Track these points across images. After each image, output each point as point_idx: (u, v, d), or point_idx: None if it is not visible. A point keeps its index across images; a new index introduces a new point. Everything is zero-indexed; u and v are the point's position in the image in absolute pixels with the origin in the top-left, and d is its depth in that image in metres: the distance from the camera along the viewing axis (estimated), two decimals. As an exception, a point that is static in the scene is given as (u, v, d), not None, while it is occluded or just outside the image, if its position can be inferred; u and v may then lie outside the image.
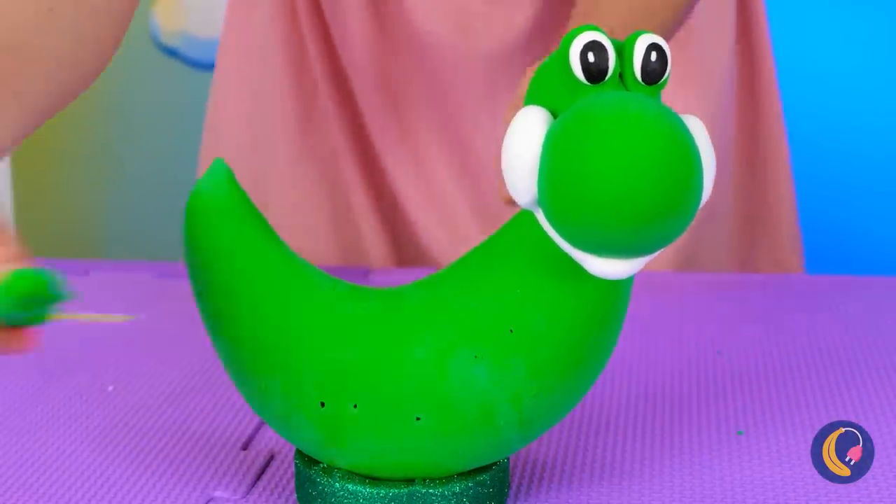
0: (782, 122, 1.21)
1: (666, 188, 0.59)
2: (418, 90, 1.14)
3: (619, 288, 0.67)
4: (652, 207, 0.59)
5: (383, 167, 1.17)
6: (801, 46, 2.20)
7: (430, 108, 1.15)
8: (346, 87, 1.16)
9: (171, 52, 2.41)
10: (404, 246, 1.19)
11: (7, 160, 2.37)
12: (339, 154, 1.17)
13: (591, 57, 0.62)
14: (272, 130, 1.17)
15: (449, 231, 1.17)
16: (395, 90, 1.14)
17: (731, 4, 1.18)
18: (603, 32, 0.62)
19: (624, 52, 0.63)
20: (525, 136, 0.62)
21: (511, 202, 0.73)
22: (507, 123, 0.78)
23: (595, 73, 0.62)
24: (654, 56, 0.63)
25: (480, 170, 1.16)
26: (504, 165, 0.63)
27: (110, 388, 0.87)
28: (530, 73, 0.76)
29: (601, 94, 0.62)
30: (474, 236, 1.15)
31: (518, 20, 1.10)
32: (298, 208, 1.16)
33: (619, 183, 0.59)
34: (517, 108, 0.77)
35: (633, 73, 0.63)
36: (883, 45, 2.20)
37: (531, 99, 0.65)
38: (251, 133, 1.18)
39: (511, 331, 0.66)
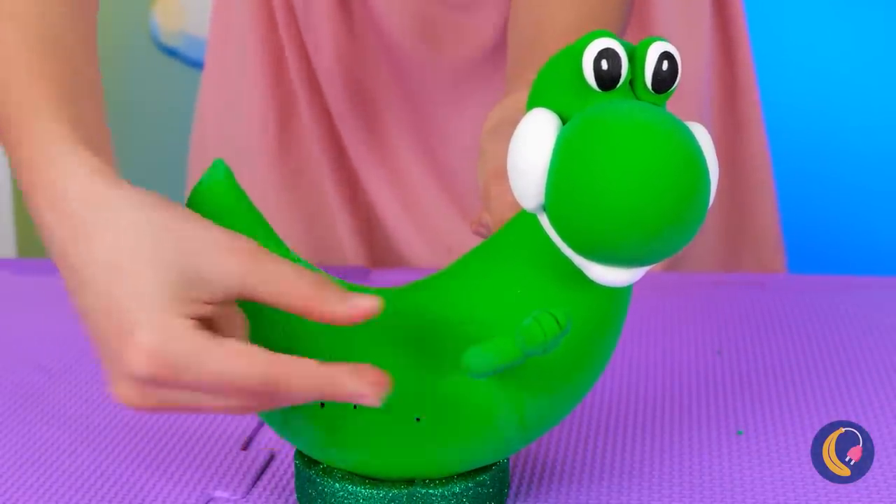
0: (762, 124, 1.22)
1: (675, 202, 0.59)
2: (389, 95, 1.15)
3: (620, 292, 0.67)
4: (661, 220, 0.59)
5: (356, 170, 1.18)
6: (781, 46, 2.20)
7: (401, 113, 1.16)
8: (320, 92, 1.17)
9: (171, 52, 2.41)
10: (378, 248, 1.19)
11: (7, 161, 2.37)
12: (314, 157, 1.18)
13: (604, 65, 0.62)
14: (250, 133, 1.18)
15: (421, 233, 1.17)
16: (366, 95, 1.15)
17: (706, 5, 1.17)
18: (616, 38, 0.62)
19: (636, 59, 0.63)
20: (535, 141, 0.62)
21: (481, 233, 0.74)
22: (488, 130, 0.79)
23: (607, 80, 0.62)
24: (665, 65, 0.63)
25: (451, 172, 1.16)
26: (511, 169, 0.63)
27: (110, 388, 0.87)
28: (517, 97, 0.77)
29: (614, 103, 0.62)
30: (446, 237, 1.16)
31: (485, 26, 1.10)
32: (274, 210, 1.17)
33: (631, 195, 0.59)
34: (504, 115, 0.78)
35: (643, 81, 0.63)
36: (865, 44, 2.20)
37: (537, 100, 0.65)
38: (230, 135, 1.19)
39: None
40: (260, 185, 1.17)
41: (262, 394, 0.61)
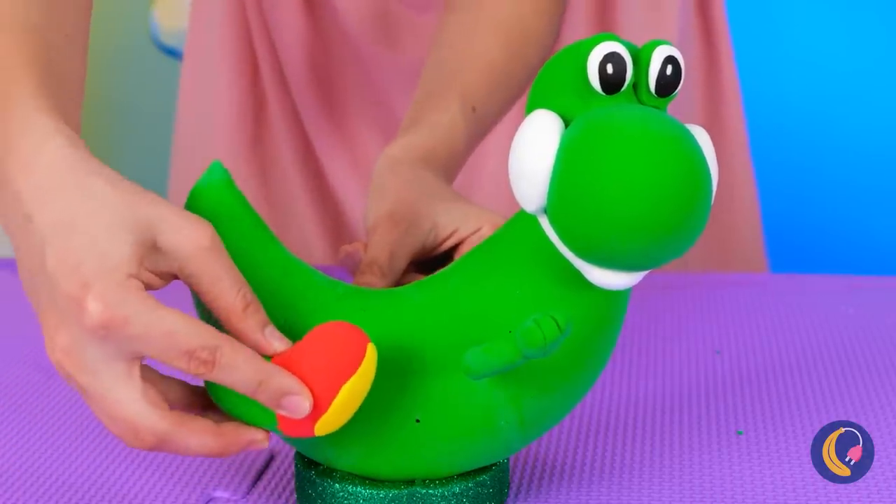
0: (745, 134, 1.22)
1: (679, 208, 0.60)
2: (353, 91, 1.17)
3: (619, 293, 0.66)
4: (664, 227, 0.60)
5: (322, 164, 1.19)
6: (780, 47, 2.20)
7: (365, 108, 1.17)
8: (288, 88, 1.18)
9: (171, 52, 2.41)
10: (343, 240, 1.21)
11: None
12: (284, 151, 1.19)
13: (609, 69, 0.62)
14: (225, 129, 1.19)
15: None
16: (332, 90, 1.17)
17: (674, 14, 1.17)
18: (620, 40, 0.62)
19: (640, 62, 0.63)
20: (539, 145, 0.62)
21: (345, 263, 0.78)
22: (385, 165, 0.82)
23: (612, 84, 0.62)
24: (669, 69, 0.63)
25: None
26: (513, 171, 0.63)
27: (110, 388, 0.87)
28: None
29: (618, 108, 0.62)
30: None
31: None
32: None
33: (635, 202, 0.59)
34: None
35: (647, 85, 0.63)
36: (862, 45, 2.19)
37: (538, 101, 0.65)
38: (208, 131, 1.20)
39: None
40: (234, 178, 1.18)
41: (203, 360, 0.62)
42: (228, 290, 0.65)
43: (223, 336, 0.63)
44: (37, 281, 0.64)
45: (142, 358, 0.63)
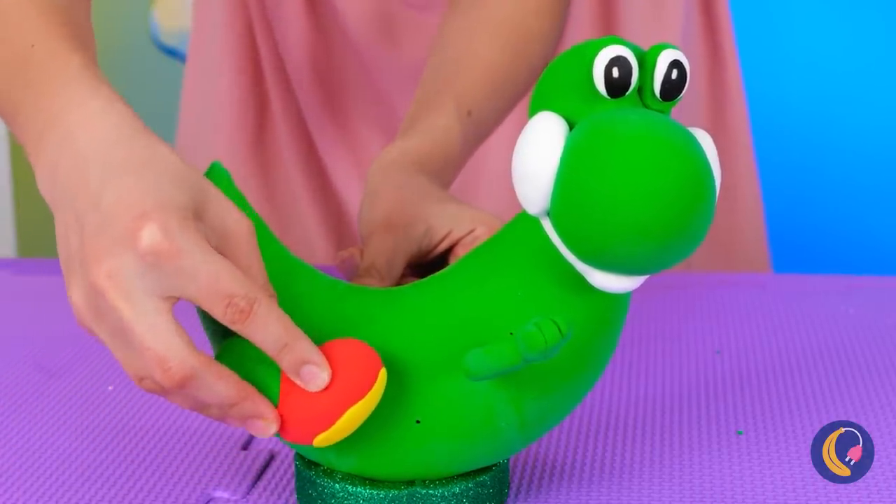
0: (747, 124, 1.22)
1: (683, 214, 0.60)
2: (355, 90, 1.17)
3: (620, 295, 0.66)
4: (668, 232, 0.60)
5: (325, 163, 1.19)
6: (783, 48, 2.20)
7: (367, 107, 1.17)
8: (291, 87, 1.18)
9: (171, 52, 2.41)
10: (345, 239, 1.21)
11: (7, 161, 2.37)
12: (287, 154, 1.19)
13: (615, 72, 0.62)
14: (227, 128, 1.19)
15: None
16: (334, 90, 1.17)
17: (679, 13, 1.17)
18: (626, 43, 0.62)
19: (645, 66, 0.63)
20: (543, 148, 0.62)
21: (342, 268, 0.79)
22: (380, 168, 0.83)
23: (617, 88, 0.62)
24: (674, 74, 0.63)
25: None
26: (516, 173, 0.63)
27: (110, 387, 0.87)
28: None
29: (623, 112, 0.62)
30: None
31: None
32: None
33: (640, 208, 0.59)
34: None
35: (652, 88, 0.63)
36: (863, 46, 2.19)
37: (541, 102, 0.65)
38: (209, 130, 1.20)
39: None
40: (235, 178, 1.19)
41: (240, 308, 0.63)
42: (256, 279, 0.65)
43: (263, 291, 0.64)
44: (86, 220, 0.64)
45: (177, 300, 0.63)
